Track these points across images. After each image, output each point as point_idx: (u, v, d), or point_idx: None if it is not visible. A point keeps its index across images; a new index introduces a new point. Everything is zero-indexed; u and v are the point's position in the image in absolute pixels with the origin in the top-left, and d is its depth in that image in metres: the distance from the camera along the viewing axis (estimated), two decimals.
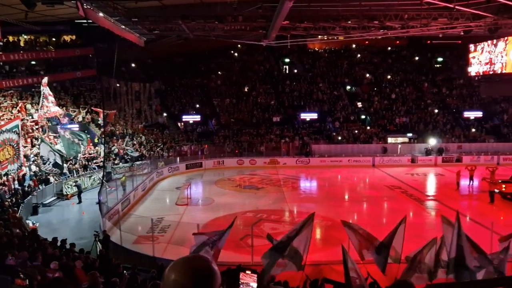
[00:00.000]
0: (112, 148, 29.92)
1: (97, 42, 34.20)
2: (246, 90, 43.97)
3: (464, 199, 24.10)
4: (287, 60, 48.42)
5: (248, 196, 24.57)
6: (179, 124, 39.95)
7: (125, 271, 9.49)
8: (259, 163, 34.19)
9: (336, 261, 11.53)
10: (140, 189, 23.98)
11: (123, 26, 23.87)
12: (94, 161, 27.92)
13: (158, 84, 43.04)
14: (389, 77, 46.25)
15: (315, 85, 44.73)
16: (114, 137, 31.78)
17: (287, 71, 48.34)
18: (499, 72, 25.50)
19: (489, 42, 26.13)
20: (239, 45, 45.17)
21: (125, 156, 29.84)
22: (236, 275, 2.20)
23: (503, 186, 22.06)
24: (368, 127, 39.91)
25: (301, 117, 40.58)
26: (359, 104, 43.20)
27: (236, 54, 48.95)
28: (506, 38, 24.72)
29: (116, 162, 28.83)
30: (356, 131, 38.87)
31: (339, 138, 37.97)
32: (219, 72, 46.42)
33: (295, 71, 47.97)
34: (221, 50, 46.08)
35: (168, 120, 39.94)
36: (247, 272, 2.22)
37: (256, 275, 2.19)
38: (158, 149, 33.22)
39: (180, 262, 1.70)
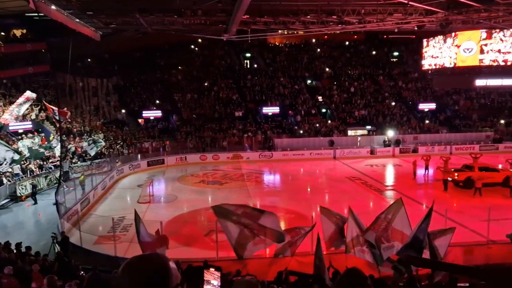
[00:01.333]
0: (69, 147, 28.87)
1: (50, 37, 32.77)
2: (207, 85, 43.61)
3: (421, 188, 25.11)
4: (248, 54, 48.45)
5: (212, 191, 24.47)
6: (139, 120, 39.07)
7: (82, 272, 9.20)
8: (222, 158, 34.09)
9: (299, 253, 11.70)
10: (100, 188, 23.30)
11: (78, 20, 23.01)
12: (50, 160, 26.83)
13: (116, 79, 41.88)
14: (349, 72, 47.28)
15: (276, 79, 45.07)
16: (71, 135, 30.67)
17: (248, 66, 48.38)
18: (448, 66, 26.66)
19: (440, 37, 27.24)
20: (199, 40, 44.70)
21: (83, 154, 28.88)
22: (200, 273, 2.17)
23: (456, 174, 23.17)
24: (329, 121, 40.70)
25: (263, 112, 40.78)
26: (320, 98, 43.95)
27: (196, 48, 48.40)
28: (455, 34, 25.84)
29: (74, 161, 27.85)
30: (317, 125, 39.55)
31: (301, 131, 38.49)
32: (180, 67, 45.77)
33: (256, 65, 48.11)
34: (181, 44, 45.41)
35: (127, 116, 38.97)
36: (211, 269, 2.19)
37: (219, 273, 2.17)
38: (118, 147, 32.37)
39: (134, 261, 1.64)
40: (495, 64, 25.27)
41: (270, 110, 40.93)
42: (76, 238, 15.45)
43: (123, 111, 39.22)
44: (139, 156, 32.36)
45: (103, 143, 28.73)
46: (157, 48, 44.63)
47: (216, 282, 2.17)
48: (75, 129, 32.09)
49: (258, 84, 44.35)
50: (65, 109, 28.69)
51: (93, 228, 17.70)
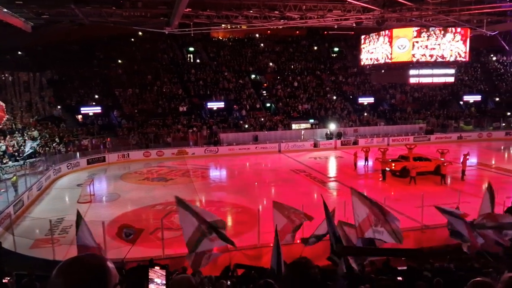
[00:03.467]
0: None
1: None
2: (149, 79, 42.40)
3: (361, 178, 26.22)
4: (191, 48, 47.79)
5: (157, 188, 23.95)
6: (77, 116, 37.18)
7: (8, 278, 8.59)
8: (167, 154, 33.44)
9: (246, 246, 11.82)
10: (36, 189, 21.97)
11: (5, 10, 21.41)
12: None
13: (51, 73, 39.55)
14: (292, 67, 48.12)
15: (221, 74, 44.86)
16: (0, 133, 28.57)
17: (192, 60, 47.73)
18: (383, 62, 28.23)
19: (375, 34, 28.63)
20: (140, 33, 43.37)
21: (15, 154, 27.04)
22: (145, 272, 2.12)
23: (393, 164, 24.48)
24: (274, 115, 41.23)
25: (208, 106, 40.49)
26: (264, 92, 44.38)
27: (137, 42, 46.88)
28: (389, 31, 27.28)
29: (4, 161, 25.98)
30: (262, 119, 39.93)
31: (246, 126, 38.67)
32: (120, 61, 44.10)
33: (200, 60, 47.60)
34: (121, 37, 43.78)
35: (64, 112, 36.95)
36: (156, 268, 2.15)
37: (164, 271, 2.12)
38: (54, 145, 30.64)
39: (68, 263, 1.55)
40: (423, 59, 27.24)
41: (215, 104, 40.72)
42: (10, 243, 14.47)
43: (59, 107, 37.16)
44: (78, 154, 30.86)
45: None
46: (95, 40, 42.70)
47: (159, 280, 2.12)
48: (5, 127, 29.93)
49: (202, 78, 43.90)
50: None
51: (29, 232, 16.70)
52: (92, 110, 37.41)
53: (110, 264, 1.58)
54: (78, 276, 1.50)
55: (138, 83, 41.44)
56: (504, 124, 41.58)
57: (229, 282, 7.66)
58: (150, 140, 34.52)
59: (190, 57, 47.93)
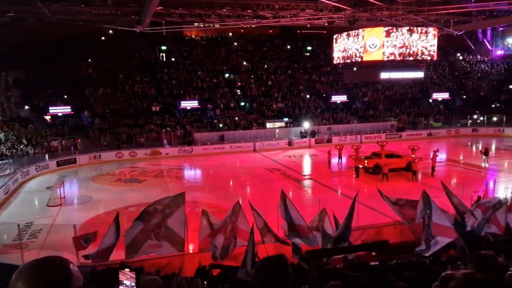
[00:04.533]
0: None
1: None
2: (121, 78, 41.56)
3: (335, 176, 26.55)
4: (164, 47, 47.16)
5: (130, 189, 23.53)
6: (46, 117, 36.04)
7: None
8: (140, 155, 32.91)
9: None
10: (2, 193, 21.21)
11: None
12: None
13: (17, 73, 38.21)
14: (266, 66, 48.21)
15: (194, 73, 44.50)
16: None
17: (164, 59, 47.13)
18: (355, 60, 28.76)
19: (346, 34, 29.13)
20: (110, 31, 42.50)
21: None
22: (115, 274, 2.06)
23: (366, 161, 24.90)
24: (248, 114, 41.20)
25: (182, 106, 40.07)
26: (238, 91, 44.30)
27: (108, 40, 45.87)
28: (361, 30, 27.79)
29: None
30: (237, 118, 39.84)
31: (221, 125, 38.50)
32: (90, 60, 43.05)
33: (173, 59, 47.05)
34: (91, 36, 42.72)
35: (31, 113, 35.76)
36: (126, 270, 2.09)
37: (134, 273, 2.07)
38: (21, 146, 29.63)
39: (28, 267, 1.48)
40: (392, 57, 27.90)
41: (189, 104, 40.35)
42: None
43: (26, 107, 35.96)
44: (47, 156, 29.95)
45: None
46: (64, 39, 41.48)
47: (129, 283, 2.06)
48: None
49: (175, 77, 43.42)
50: None
51: None
52: (61, 110, 36.33)
53: (73, 267, 1.51)
54: (39, 280, 1.43)
55: (109, 82, 40.58)
56: (471, 121, 42.97)
57: (205, 282, 7.59)
58: (122, 140, 33.86)
59: (162, 56, 47.30)
